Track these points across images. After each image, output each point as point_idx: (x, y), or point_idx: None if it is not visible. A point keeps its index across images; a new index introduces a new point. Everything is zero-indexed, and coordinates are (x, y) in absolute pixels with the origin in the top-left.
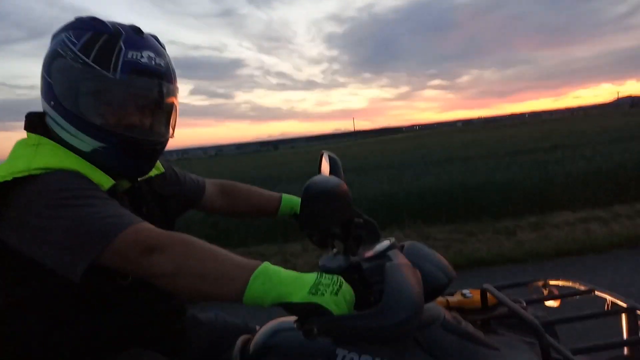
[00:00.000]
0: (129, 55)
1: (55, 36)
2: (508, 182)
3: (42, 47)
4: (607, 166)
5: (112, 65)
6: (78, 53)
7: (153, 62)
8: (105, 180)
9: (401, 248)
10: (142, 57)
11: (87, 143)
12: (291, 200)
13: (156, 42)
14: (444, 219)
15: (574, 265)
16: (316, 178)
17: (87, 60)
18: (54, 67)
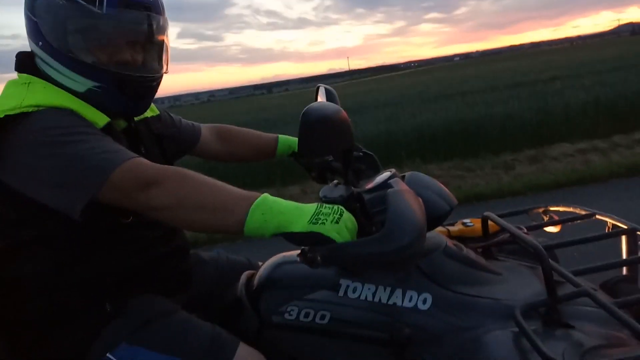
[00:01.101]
0: None
1: None
2: (506, 115)
3: None
4: (606, 96)
5: (98, 0)
6: None
7: None
8: (99, 118)
9: (402, 178)
10: None
11: (79, 82)
12: (288, 140)
13: None
14: (442, 155)
15: (574, 195)
16: (314, 104)
17: None
18: (38, 5)
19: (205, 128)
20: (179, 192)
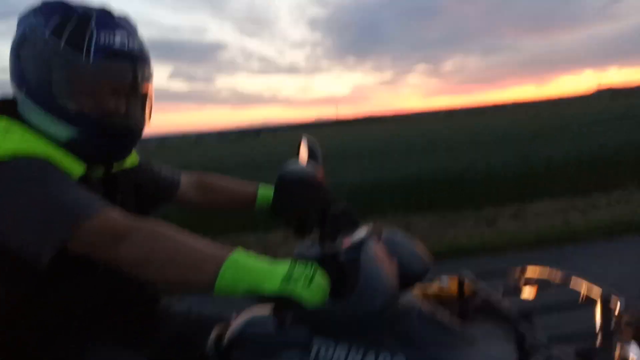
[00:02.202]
0: (102, 38)
1: (22, 20)
2: (489, 170)
3: (11, 27)
4: (586, 155)
5: (84, 49)
6: (48, 38)
7: (126, 44)
8: (76, 167)
9: (379, 236)
10: (115, 39)
11: (61, 129)
12: (268, 191)
13: (128, 23)
14: (426, 207)
15: (553, 254)
16: (290, 164)
17: (58, 45)
18: (24, 52)
19: (185, 177)
20: (150, 248)
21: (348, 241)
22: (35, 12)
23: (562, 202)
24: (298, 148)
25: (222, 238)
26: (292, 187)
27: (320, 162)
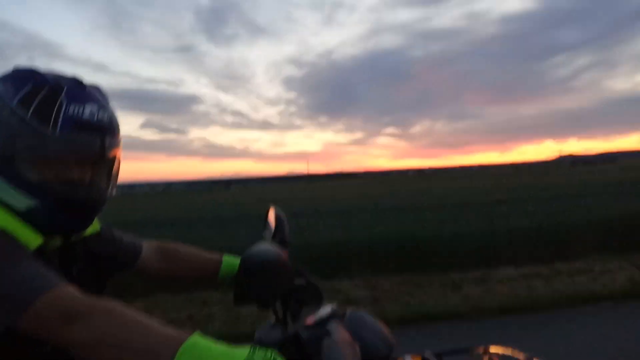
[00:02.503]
0: (71, 110)
1: None
2: (455, 234)
3: None
4: (548, 223)
5: (52, 121)
6: (15, 106)
7: (95, 116)
8: (33, 239)
9: (342, 315)
10: (84, 111)
11: (20, 199)
12: (233, 262)
13: (99, 94)
14: (393, 269)
15: (517, 322)
16: (254, 249)
17: (25, 116)
18: None
19: (148, 245)
20: (104, 330)
21: (311, 319)
22: (6, 78)
23: (526, 269)
24: (265, 218)
25: (185, 294)
26: (256, 274)
27: (287, 232)
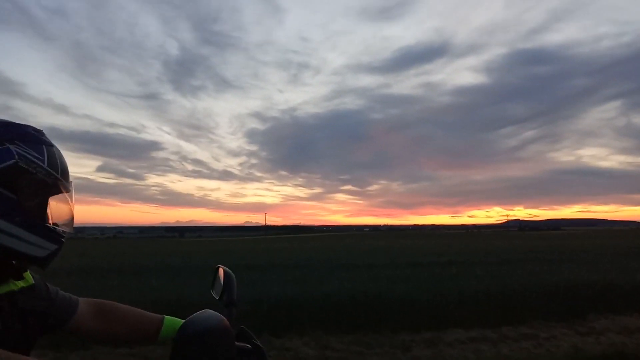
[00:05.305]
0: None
1: None
2: (406, 294)
3: None
4: (496, 288)
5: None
6: None
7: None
8: None
9: None
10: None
11: None
12: (174, 324)
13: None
14: (344, 327)
15: None
16: (194, 317)
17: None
18: None
19: (84, 302)
20: None
21: None
22: None
23: (474, 332)
24: (214, 278)
25: (127, 348)
26: (196, 343)
27: (235, 292)
